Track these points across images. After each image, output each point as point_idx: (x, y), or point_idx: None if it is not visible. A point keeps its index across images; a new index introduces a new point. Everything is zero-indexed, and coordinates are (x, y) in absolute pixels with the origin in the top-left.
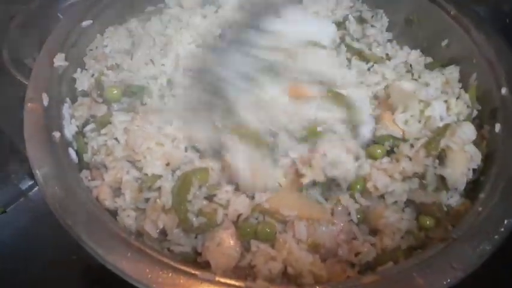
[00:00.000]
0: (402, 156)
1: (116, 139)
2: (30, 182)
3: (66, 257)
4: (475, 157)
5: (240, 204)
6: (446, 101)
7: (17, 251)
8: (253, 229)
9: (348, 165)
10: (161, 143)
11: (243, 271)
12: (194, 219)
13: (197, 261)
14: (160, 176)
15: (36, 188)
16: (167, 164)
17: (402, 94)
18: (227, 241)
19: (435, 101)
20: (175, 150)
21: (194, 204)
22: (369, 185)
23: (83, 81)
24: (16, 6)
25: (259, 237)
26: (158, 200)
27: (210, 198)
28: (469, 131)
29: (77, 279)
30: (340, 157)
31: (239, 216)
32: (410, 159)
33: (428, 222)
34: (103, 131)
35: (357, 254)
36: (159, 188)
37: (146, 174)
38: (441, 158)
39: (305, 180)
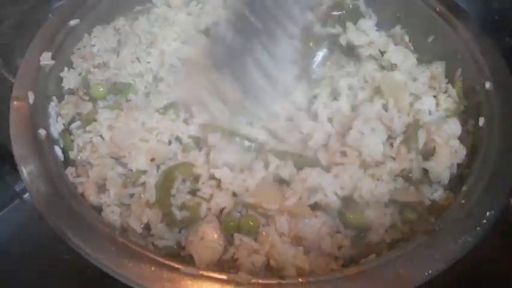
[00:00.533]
0: (386, 157)
1: (101, 136)
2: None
3: (60, 258)
4: (459, 152)
5: (223, 198)
6: (435, 97)
7: (11, 253)
8: (236, 223)
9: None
10: (145, 139)
11: (226, 264)
12: (177, 213)
13: (181, 255)
14: (144, 172)
15: None
16: (152, 160)
17: (393, 85)
18: (210, 235)
19: (424, 96)
20: (159, 145)
21: (178, 198)
22: (355, 195)
23: (70, 79)
24: (7, 7)
25: (242, 231)
26: (142, 195)
27: (193, 192)
28: (454, 126)
29: (72, 280)
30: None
31: (222, 210)
32: (394, 158)
33: (410, 216)
34: (88, 128)
35: (340, 248)
36: (143, 184)
37: (131, 170)
38: (426, 152)
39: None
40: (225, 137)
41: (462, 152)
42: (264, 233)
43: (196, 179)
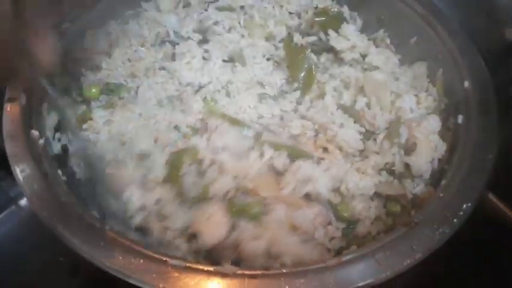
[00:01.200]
0: (370, 152)
1: (97, 133)
2: (20, 189)
3: (55, 260)
4: (439, 147)
5: (226, 182)
6: (416, 95)
7: (6, 258)
8: (240, 207)
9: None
10: (145, 124)
11: (228, 250)
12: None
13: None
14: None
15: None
16: (156, 141)
17: (375, 84)
18: (217, 215)
19: (405, 94)
20: (159, 132)
21: (186, 178)
22: (342, 188)
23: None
24: None
25: (246, 216)
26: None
27: (199, 175)
28: (434, 123)
29: (67, 281)
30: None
31: (226, 193)
32: (378, 153)
33: (394, 209)
34: (84, 127)
35: (332, 239)
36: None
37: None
38: (408, 148)
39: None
40: (225, 122)
41: (442, 147)
42: (265, 220)
43: (200, 163)
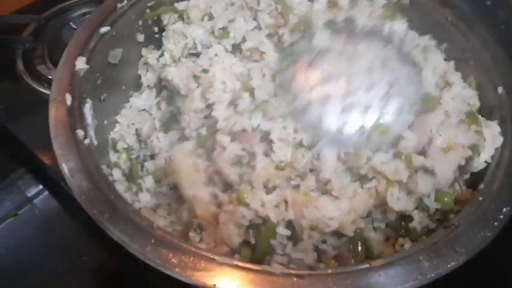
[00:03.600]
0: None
1: None
2: (37, 189)
3: (75, 260)
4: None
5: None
6: None
7: (22, 257)
8: None
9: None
10: None
11: None
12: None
13: None
14: None
15: (42, 195)
16: None
17: None
18: None
19: None
20: None
21: None
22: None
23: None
24: (29, 15)
25: None
26: None
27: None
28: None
29: (88, 281)
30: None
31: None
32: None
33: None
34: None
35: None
36: None
37: None
38: None
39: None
40: None
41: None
42: None
43: None
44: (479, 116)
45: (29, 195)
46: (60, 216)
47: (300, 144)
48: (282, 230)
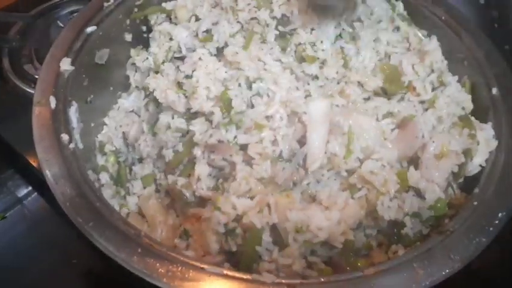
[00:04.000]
0: None
1: None
2: (27, 190)
3: (65, 262)
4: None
5: None
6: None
7: (13, 258)
8: None
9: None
10: None
11: None
12: None
13: None
14: None
15: (32, 196)
16: None
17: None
18: None
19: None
20: None
21: None
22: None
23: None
24: (16, 13)
25: None
26: None
27: None
28: None
29: (77, 283)
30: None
31: None
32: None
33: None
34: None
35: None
36: None
37: None
38: None
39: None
40: None
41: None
42: None
43: None
44: (473, 119)
45: (19, 196)
46: (49, 218)
47: (280, 157)
48: (267, 237)
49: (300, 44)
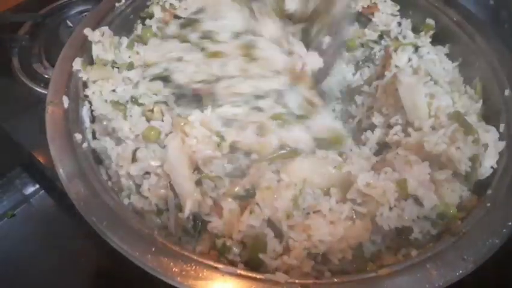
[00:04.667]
0: None
1: None
2: (34, 188)
3: (73, 260)
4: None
5: None
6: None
7: (20, 256)
8: None
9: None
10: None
11: None
12: None
13: None
14: None
15: (39, 194)
16: None
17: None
18: None
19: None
20: None
21: None
22: None
23: None
24: (25, 13)
25: None
26: None
27: None
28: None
29: (85, 281)
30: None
31: None
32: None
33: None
34: None
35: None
36: None
37: None
38: None
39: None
40: None
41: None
42: None
43: None
44: (473, 121)
45: (26, 193)
46: (57, 216)
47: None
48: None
49: None
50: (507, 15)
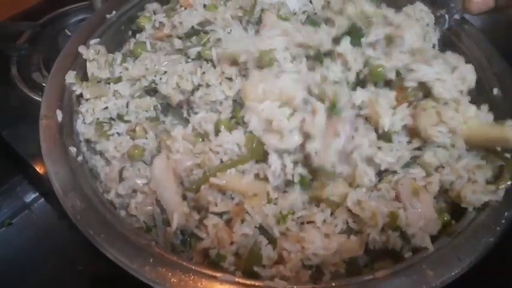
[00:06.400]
0: None
1: None
2: (34, 195)
3: (71, 268)
4: None
5: None
6: None
7: (20, 263)
8: None
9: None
10: None
11: None
12: None
13: None
14: None
15: (39, 201)
16: None
17: None
18: None
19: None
20: None
21: None
22: None
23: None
24: (24, 22)
25: None
26: None
27: None
28: None
29: None
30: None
31: None
32: None
33: (446, 218)
34: None
35: None
36: None
37: None
38: None
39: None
40: None
41: None
42: None
43: None
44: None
45: (26, 201)
46: (56, 223)
47: None
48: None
49: None
50: (503, 18)
